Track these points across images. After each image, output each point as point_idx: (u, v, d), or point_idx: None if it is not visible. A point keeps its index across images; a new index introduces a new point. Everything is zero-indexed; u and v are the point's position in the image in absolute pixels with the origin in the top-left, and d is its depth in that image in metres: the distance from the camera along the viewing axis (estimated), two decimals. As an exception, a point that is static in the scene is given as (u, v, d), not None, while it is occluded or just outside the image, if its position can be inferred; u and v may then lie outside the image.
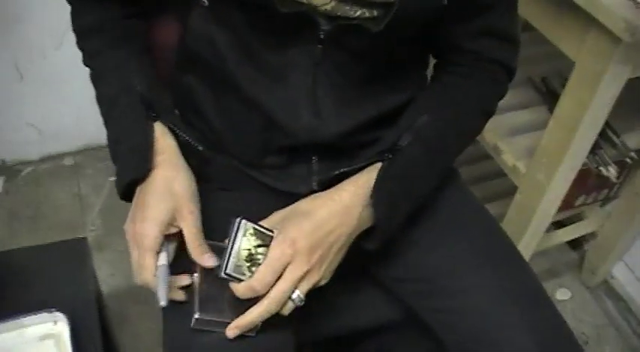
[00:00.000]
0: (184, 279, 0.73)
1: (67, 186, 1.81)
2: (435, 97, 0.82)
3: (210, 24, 0.74)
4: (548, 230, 1.39)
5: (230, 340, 0.71)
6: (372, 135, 0.81)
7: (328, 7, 0.68)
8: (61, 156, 1.89)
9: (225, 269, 0.68)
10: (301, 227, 0.70)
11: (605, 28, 0.95)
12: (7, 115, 1.75)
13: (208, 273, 0.72)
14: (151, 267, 0.69)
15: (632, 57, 1.00)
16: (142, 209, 0.71)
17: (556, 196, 1.25)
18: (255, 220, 0.71)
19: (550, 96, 1.39)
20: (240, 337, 0.71)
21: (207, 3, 0.72)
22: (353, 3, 0.68)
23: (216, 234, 0.72)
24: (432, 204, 0.86)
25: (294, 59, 0.72)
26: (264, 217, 0.74)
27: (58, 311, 0.82)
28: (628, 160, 1.29)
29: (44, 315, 0.82)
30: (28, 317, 0.81)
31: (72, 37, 0.81)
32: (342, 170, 0.76)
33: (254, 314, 0.69)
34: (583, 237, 1.66)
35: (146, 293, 1.50)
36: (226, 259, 0.68)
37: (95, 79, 0.80)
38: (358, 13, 0.69)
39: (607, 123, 1.23)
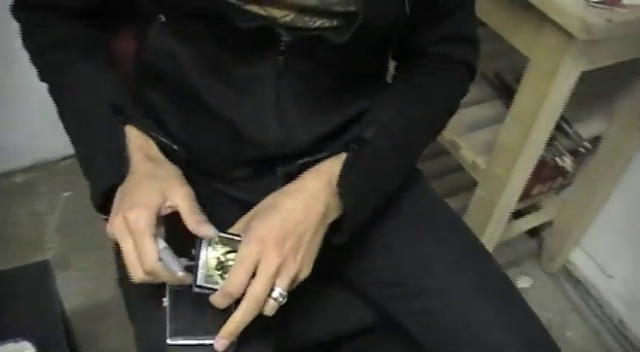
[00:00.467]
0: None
1: (20, 204, 1.76)
2: (400, 95, 0.82)
3: (170, 38, 0.73)
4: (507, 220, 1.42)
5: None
6: (339, 137, 0.81)
7: (288, 18, 0.68)
8: (13, 173, 1.83)
9: (196, 281, 0.66)
10: (267, 222, 0.68)
11: (559, 26, 0.97)
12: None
13: (180, 295, 0.70)
14: (153, 252, 0.64)
15: (586, 52, 1.02)
16: (127, 199, 0.66)
17: (516, 189, 1.27)
18: (220, 229, 0.69)
19: (504, 91, 1.42)
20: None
21: (164, 19, 0.71)
22: (312, 14, 0.68)
23: (188, 252, 0.70)
24: (397, 204, 0.86)
25: (257, 71, 0.72)
26: None
27: (24, 339, 0.80)
28: (582, 150, 1.33)
29: (11, 345, 0.79)
30: (-6, 348, 0.79)
31: (21, 56, 0.79)
32: (305, 159, 0.75)
33: (236, 319, 0.66)
34: (540, 225, 1.69)
35: (112, 310, 1.48)
36: (196, 272, 0.66)
37: (58, 93, 0.77)
38: (318, 23, 0.69)
39: (560, 115, 1.26)
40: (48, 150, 1.81)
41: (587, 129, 1.36)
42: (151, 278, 0.65)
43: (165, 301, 0.70)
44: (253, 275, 0.66)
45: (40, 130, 1.71)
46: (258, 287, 0.66)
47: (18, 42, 0.79)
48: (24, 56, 0.80)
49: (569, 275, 1.71)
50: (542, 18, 0.99)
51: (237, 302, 0.67)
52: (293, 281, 0.69)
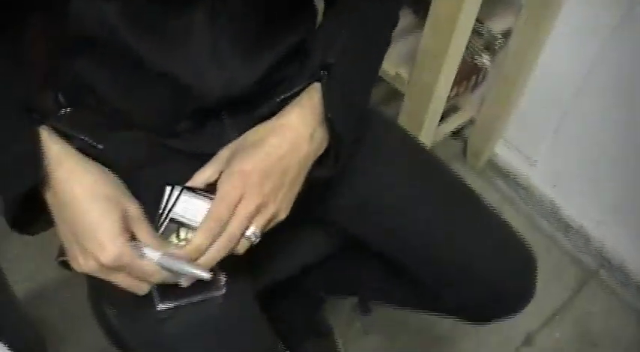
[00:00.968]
0: None
1: None
2: (346, 19, 0.80)
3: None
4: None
5: (195, 313, 0.69)
6: (279, 75, 0.79)
7: None
8: None
9: (168, 215, 0.64)
10: (250, 157, 0.67)
11: None
12: None
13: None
14: (151, 266, 0.61)
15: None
16: (86, 235, 0.61)
17: (442, 95, 1.30)
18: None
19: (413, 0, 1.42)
20: (205, 302, 0.70)
21: None
22: None
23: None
24: None
25: (190, 18, 0.68)
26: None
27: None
28: (496, 46, 1.36)
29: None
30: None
31: None
32: (282, 97, 0.73)
33: (212, 251, 0.64)
34: (462, 126, 1.74)
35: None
36: (162, 218, 0.65)
37: None
38: None
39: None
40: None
41: (498, 24, 1.39)
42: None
43: None
44: None
45: None
46: (234, 225, 0.64)
47: None
48: None
49: (496, 169, 1.77)
50: None
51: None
52: (269, 222, 0.68)
